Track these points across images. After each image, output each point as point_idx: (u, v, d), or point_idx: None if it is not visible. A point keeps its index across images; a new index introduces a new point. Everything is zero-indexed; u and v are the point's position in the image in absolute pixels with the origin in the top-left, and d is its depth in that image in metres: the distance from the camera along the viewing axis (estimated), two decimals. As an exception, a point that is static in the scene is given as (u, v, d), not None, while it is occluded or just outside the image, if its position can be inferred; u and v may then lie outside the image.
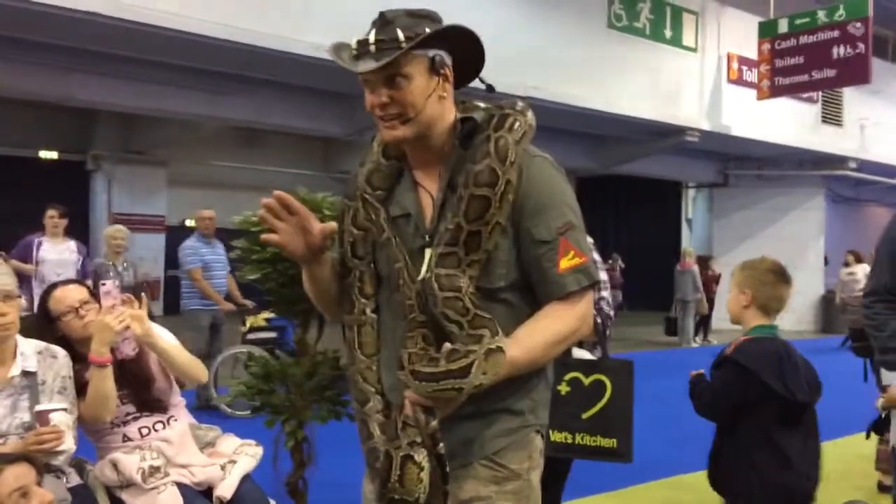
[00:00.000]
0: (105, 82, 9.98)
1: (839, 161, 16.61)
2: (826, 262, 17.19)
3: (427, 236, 1.69)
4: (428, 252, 1.67)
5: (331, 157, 17.80)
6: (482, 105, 1.74)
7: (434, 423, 1.52)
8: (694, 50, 13.99)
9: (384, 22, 1.61)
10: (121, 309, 2.74)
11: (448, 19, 1.68)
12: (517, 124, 1.66)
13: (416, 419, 1.52)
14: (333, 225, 1.71)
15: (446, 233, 1.62)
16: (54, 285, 2.95)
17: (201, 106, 10.89)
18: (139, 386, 2.89)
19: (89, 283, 3.08)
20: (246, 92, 10.78)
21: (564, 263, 1.63)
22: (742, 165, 17.37)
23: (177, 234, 11.75)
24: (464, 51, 1.68)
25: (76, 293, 2.89)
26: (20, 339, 2.70)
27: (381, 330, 1.78)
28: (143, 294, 2.92)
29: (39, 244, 6.94)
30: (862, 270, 12.93)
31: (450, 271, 1.59)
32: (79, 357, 2.83)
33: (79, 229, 15.83)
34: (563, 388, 3.00)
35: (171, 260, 10.32)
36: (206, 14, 8.46)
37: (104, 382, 2.70)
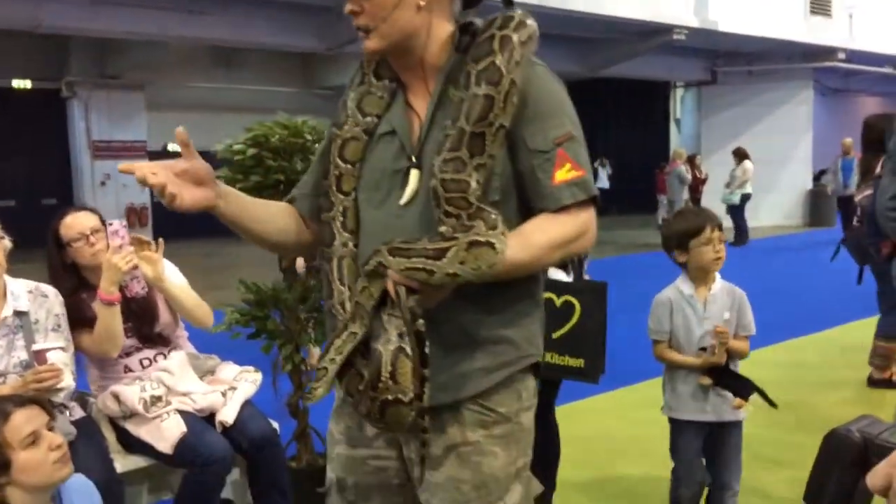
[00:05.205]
0: (75, 7, 9.68)
1: (828, 52, 16.38)
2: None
3: (413, 157, 1.59)
4: (414, 173, 1.59)
5: (311, 74, 17.43)
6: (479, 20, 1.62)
7: (413, 299, 1.45)
8: (679, -57, 13.59)
9: None
10: (128, 248, 2.73)
11: None
12: (522, 25, 1.55)
13: (396, 293, 1.45)
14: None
15: (447, 138, 1.51)
16: (66, 211, 2.92)
17: (176, 27, 10.59)
18: (144, 321, 2.90)
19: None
20: (221, 10, 10.49)
21: (560, 176, 1.55)
22: (731, 62, 17.12)
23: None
24: None
25: (87, 220, 2.86)
26: (9, 279, 2.68)
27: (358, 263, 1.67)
28: (160, 239, 2.88)
29: None
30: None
31: (455, 175, 1.49)
32: (86, 284, 2.83)
33: (59, 158, 15.76)
34: None
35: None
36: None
37: (112, 320, 2.72)
